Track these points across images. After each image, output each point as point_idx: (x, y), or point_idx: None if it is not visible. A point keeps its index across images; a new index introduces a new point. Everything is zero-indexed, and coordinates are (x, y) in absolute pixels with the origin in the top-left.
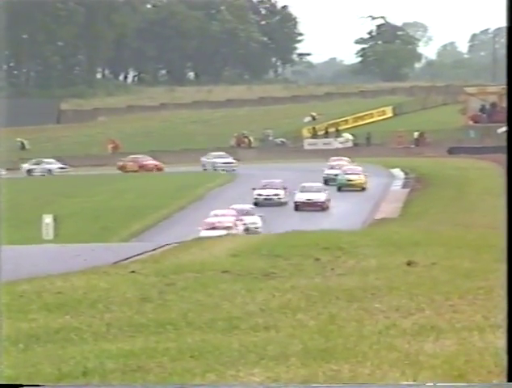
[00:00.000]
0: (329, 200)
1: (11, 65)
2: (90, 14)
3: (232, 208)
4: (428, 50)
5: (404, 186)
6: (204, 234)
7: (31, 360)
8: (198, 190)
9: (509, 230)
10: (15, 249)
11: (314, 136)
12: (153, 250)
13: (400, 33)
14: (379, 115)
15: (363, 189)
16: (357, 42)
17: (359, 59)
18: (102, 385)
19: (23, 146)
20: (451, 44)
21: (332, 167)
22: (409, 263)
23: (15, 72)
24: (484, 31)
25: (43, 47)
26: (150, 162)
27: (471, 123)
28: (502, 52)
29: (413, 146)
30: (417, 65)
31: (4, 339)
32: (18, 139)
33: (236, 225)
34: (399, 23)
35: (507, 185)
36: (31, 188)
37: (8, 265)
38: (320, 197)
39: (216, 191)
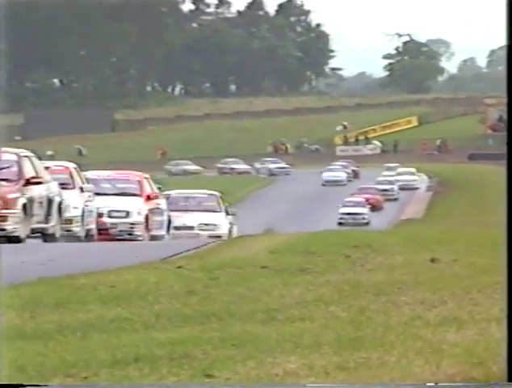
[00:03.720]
0: None
1: (71, 78)
2: (141, 32)
3: None
4: (450, 65)
5: (428, 189)
6: None
7: (88, 347)
8: (240, 193)
9: (509, 230)
10: (74, 245)
11: (345, 143)
12: (198, 247)
13: (424, 49)
14: (405, 125)
15: None
16: (385, 57)
17: (387, 73)
18: (109, 385)
19: (80, 153)
20: (471, 59)
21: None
22: (432, 260)
23: (75, 85)
24: (502, 47)
25: (98, 62)
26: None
27: (489, 131)
28: None
29: (436, 153)
30: (440, 79)
31: (64, 328)
32: (76, 146)
33: None
34: (423, 40)
35: (507, 189)
36: None
37: (67, 260)
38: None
39: (257, 193)
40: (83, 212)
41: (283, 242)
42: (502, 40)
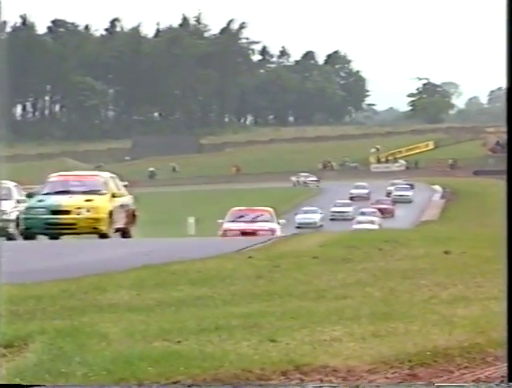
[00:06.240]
0: None
1: (167, 112)
2: (221, 77)
3: None
4: (459, 101)
5: (442, 197)
6: None
7: (180, 318)
8: (296, 200)
9: (509, 228)
10: (169, 241)
11: (378, 162)
12: (264, 242)
13: (439, 89)
14: (425, 148)
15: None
16: (409, 96)
17: (411, 108)
18: (106, 385)
19: (174, 169)
20: (475, 97)
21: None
22: (446, 252)
23: (170, 117)
24: (499, 88)
25: (188, 100)
26: None
27: (490, 153)
28: None
29: (448, 169)
30: (451, 112)
31: (162, 303)
32: (171, 164)
33: None
34: (438, 82)
35: (507, 195)
36: (180, 198)
37: (164, 252)
38: None
39: (309, 200)
40: None
41: (329, 238)
42: (500, 83)
